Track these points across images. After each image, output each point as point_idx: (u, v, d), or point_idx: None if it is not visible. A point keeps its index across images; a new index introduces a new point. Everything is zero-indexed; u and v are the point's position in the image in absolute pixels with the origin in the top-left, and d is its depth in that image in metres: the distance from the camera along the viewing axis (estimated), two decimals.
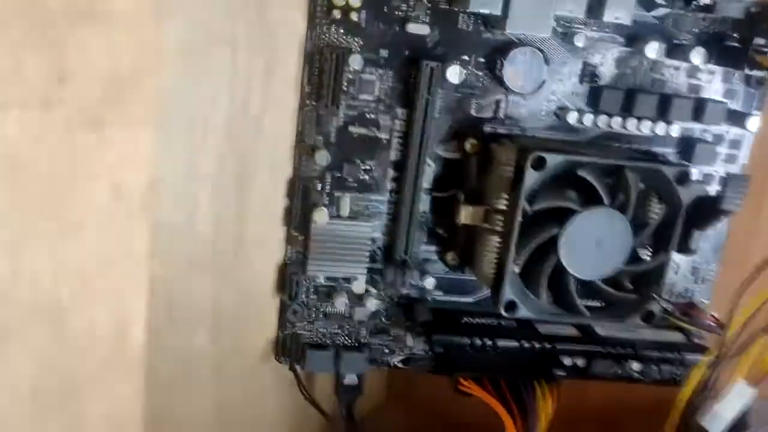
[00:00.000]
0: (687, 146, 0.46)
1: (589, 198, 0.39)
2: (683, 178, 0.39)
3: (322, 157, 0.43)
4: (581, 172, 0.38)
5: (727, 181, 0.40)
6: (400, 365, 0.49)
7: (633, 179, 0.39)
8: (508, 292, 0.40)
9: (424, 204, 0.45)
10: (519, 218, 0.38)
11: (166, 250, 0.38)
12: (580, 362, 0.47)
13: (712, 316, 0.47)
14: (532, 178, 0.38)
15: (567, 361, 0.47)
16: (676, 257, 0.48)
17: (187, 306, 0.39)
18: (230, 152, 0.39)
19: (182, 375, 0.40)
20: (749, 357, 0.40)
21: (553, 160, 0.38)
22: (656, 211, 0.40)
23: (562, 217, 0.39)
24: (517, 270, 0.40)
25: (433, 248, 0.47)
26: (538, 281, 0.40)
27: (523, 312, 0.40)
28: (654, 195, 0.41)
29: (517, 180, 0.39)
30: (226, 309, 0.41)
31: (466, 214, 0.43)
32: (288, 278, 0.45)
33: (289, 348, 0.47)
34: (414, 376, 0.65)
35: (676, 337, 0.48)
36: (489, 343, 0.45)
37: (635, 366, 0.49)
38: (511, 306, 0.40)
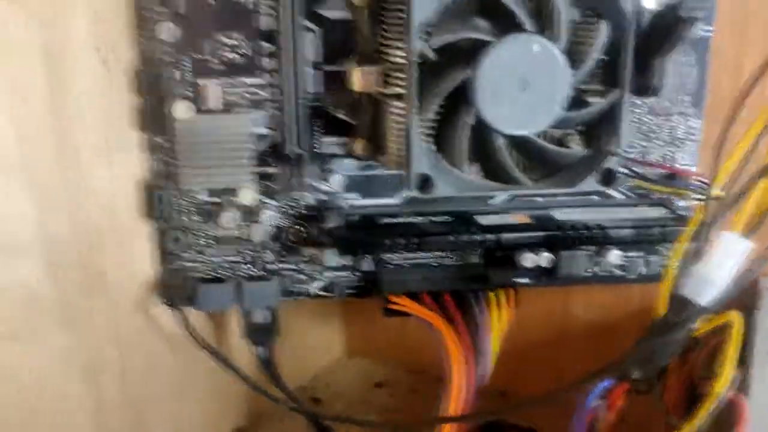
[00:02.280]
0: None
1: (508, 27, 0.30)
2: None
3: (168, 32, 0.34)
4: None
5: None
6: (321, 293, 0.40)
7: None
8: (418, 165, 0.31)
9: (315, 83, 0.36)
10: (415, 59, 0.30)
11: None
12: (544, 261, 0.38)
13: (699, 180, 0.39)
14: (423, 4, 0.29)
15: (527, 261, 0.38)
16: (645, 116, 0.39)
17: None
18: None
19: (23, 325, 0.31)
20: (744, 212, 0.30)
21: None
22: (596, 37, 0.31)
23: (475, 56, 0.30)
24: (428, 138, 0.32)
25: (336, 139, 0.38)
26: (457, 146, 0.31)
27: (441, 189, 0.31)
28: (592, 17, 0.32)
29: (408, 12, 0.30)
30: (58, 236, 0.32)
31: (359, 79, 0.34)
32: (154, 196, 0.36)
33: (177, 287, 0.38)
34: (371, 327, 0.58)
35: (657, 213, 0.38)
36: (418, 246, 0.36)
37: (615, 258, 0.40)
38: (424, 182, 0.31)
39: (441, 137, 0.32)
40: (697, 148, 0.41)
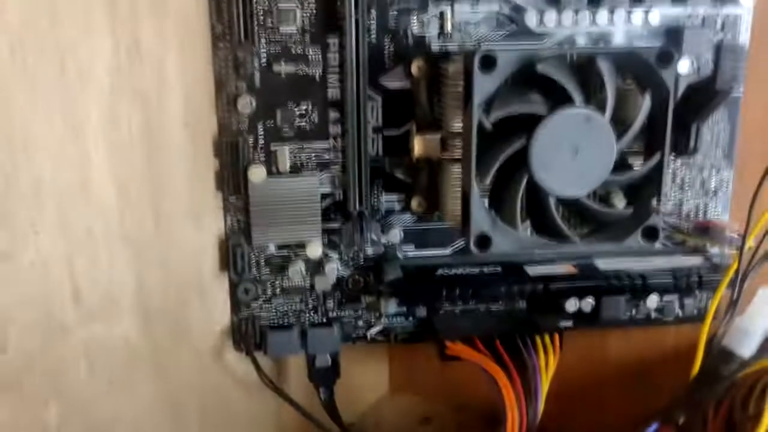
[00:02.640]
0: (673, 37, 0.40)
1: (559, 100, 0.34)
2: (666, 58, 0.33)
3: (245, 104, 0.38)
4: (542, 68, 0.33)
5: (719, 53, 0.34)
6: (378, 338, 0.43)
7: (607, 69, 0.33)
8: (477, 224, 0.34)
9: (375, 146, 0.40)
10: (475, 132, 0.33)
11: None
12: (587, 306, 0.41)
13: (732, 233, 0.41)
14: (483, 82, 0.33)
15: (570, 306, 0.41)
16: (679, 169, 0.42)
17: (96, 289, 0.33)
18: (129, 112, 0.34)
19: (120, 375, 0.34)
20: None
21: (506, 57, 0.32)
22: (640, 106, 0.35)
23: (529, 127, 0.34)
24: (485, 199, 0.35)
25: (395, 197, 0.41)
26: (512, 207, 0.35)
27: (499, 246, 0.34)
28: (636, 89, 0.35)
29: (467, 88, 0.33)
30: (153, 294, 0.35)
31: (420, 146, 0.37)
32: (231, 251, 0.40)
33: (247, 334, 0.42)
34: (415, 363, 0.60)
35: (694, 261, 0.41)
36: (472, 295, 0.39)
37: (652, 303, 0.43)
38: (483, 241, 0.34)
39: (497, 199, 0.35)
40: (728, 198, 0.43)
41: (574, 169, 0.34)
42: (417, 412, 0.56)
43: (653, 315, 0.44)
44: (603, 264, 0.41)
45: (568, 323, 0.42)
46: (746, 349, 0.29)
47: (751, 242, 0.35)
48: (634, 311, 0.44)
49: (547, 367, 0.39)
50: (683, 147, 0.36)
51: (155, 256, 0.35)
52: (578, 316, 0.42)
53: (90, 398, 0.33)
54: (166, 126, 0.35)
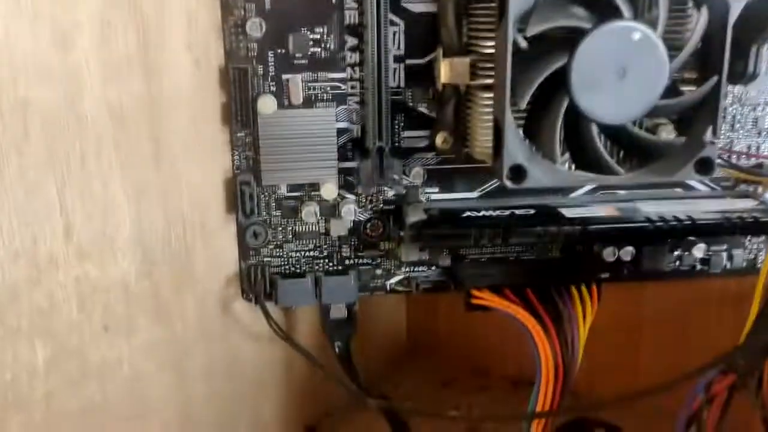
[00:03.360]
0: None
1: (605, 15, 0.30)
2: None
3: (254, 27, 0.34)
4: None
5: None
6: (399, 288, 0.40)
7: None
8: (512, 154, 0.31)
9: (397, 76, 0.37)
10: (510, 49, 0.30)
11: None
12: (626, 255, 0.38)
13: None
14: None
15: (608, 255, 0.38)
16: (731, 105, 0.39)
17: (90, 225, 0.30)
18: (126, 26, 0.30)
19: (116, 319, 0.32)
20: None
21: None
22: (696, 23, 0.31)
23: (570, 44, 0.30)
24: (519, 128, 0.32)
25: (418, 133, 0.38)
26: (551, 135, 0.31)
27: (535, 179, 0.31)
28: (691, 10, 0.31)
29: (503, 4, 0.30)
30: (153, 235, 0.33)
31: (447, 71, 0.34)
32: (239, 191, 0.37)
33: (256, 282, 0.39)
34: (435, 324, 0.57)
35: (746, 204, 0.38)
36: (502, 240, 0.36)
37: (698, 252, 0.39)
38: (517, 172, 0.31)
39: (533, 127, 0.32)
40: None
41: (621, 92, 0.30)
42: (437, 375, 0.54)
43: (698, 267, 0.41)
44: (645, 207, 0.37)
45: (606, 275, 0.39)
46: None
47: None
48: (677, 263, 0.40)
49: (585, 317, 0.36)
50: (740, 73, 0.32)
51: (155, 193, 0.32)
52: (616, 266, 0.38)
53: (83, 341, 0.30)
54: (166, 46, 0.32)
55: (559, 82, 0.30)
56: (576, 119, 0.31)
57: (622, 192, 0.39)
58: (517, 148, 0.31)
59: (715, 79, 0.31)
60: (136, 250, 0.32)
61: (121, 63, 0.30)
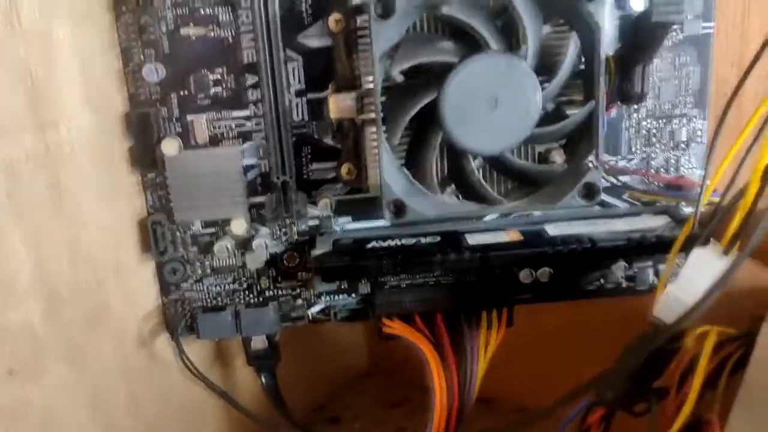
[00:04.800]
0: None
1: (476, 48, 0.31)
2: None
3: (150, 72, 0.36)
4: (448, 11, 0.30)
5: None
6: (320, 317, 0.41)
7: (524, 6, 0.30)
8: (389, 189, 0.32)
9: (299, 110, 0.38)
10: (378, 85, 0.30)
11: None
12: (545, 277, 0.38)
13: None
14: (382, 30, 0.30)
15: (526, 277, 0.38)
16: (645, 120, 0.39)
17: None
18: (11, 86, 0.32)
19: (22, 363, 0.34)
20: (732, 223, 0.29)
21: (404, 1, 0.30)
22: (567, 48, 0.31)
23: (442, 77, 0.31)
24: (402, 162, 0.32)
25: (325, 165, 0.39)
26: (427, 168, 0.32)
27: (415, 213, 0.32)
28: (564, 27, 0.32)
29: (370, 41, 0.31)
30: (59, 276, 0.34)
31: (335, 106, 0.35)
32: (151, 230, 0.38)
33: (176, 316, 0.40)
34: (393, 344, 0.58)
35: (659, 222, 0.38)
36: (402, 269, 0.36)
37: (618, 271, 0.39)
38: (397, 207, 0.32)
39: (413, 160, 0.33)
40: (703, 151, 0.39)
41: (494, 123, 0.31)
42: (389, 396, 0.54)
43: (624, 284, 0.41)
44: (553, 229, 0.37)
45: (528, 295, 0.39)
46: (671, 316, 0.26)
47: (706, 200, 0.31)
48: (602, 281, 0.40)
49: (488, 346, 0.36)
50: (628, 93, 0.32)
51: (58, 238, 0.34)
52: (536, 288, 0.39)
53: None
54: (59, 98, 0.33)
55: (434, 115, 0.31)
56: (454, 151, 0.32)
57: (537, 213, 0.39)
58: (395, 183, 0.32)
59: (591, 103, 0.31)
60: (40, 292, 0.34)
61: (8, 120, 0.32)
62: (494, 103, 0.30)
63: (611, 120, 0.39)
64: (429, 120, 0.31)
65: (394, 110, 0.31)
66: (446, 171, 0.33)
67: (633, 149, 0.39)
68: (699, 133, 0.39)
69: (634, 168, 0.39)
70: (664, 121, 0.39)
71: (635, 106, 0.38)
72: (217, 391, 0.39)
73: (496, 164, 0.33)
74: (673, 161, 0.40)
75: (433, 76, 0.31)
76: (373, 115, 0.34)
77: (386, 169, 0.31)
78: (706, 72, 0.38)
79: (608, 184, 0.38)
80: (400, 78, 0.31)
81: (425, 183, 0.32)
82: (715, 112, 0.39)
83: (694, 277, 0.26)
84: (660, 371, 0.29)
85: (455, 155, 0.32)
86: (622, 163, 0.40)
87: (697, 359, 0.28)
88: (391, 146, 0.32)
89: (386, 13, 0.29)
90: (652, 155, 0.40)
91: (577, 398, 0.28)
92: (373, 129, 0.34)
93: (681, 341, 0.30)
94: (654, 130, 0.39)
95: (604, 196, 0.40)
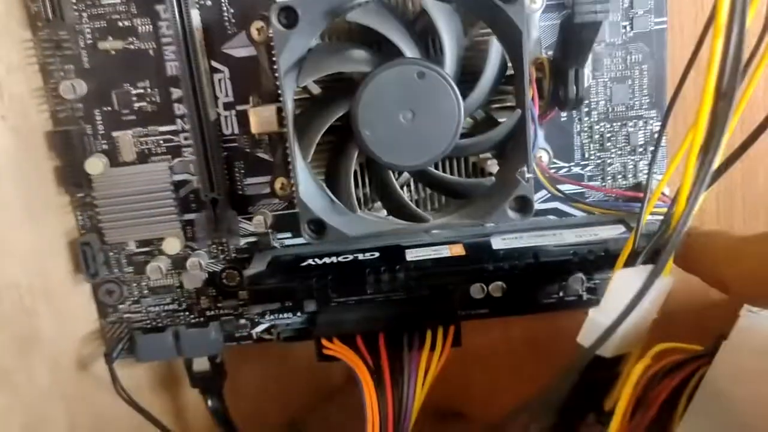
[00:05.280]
0: None
1: (387, 54, 0.29)
2: None
3: (67, 89, 0.35)
4: (353, 17, 0.28)
5: None
6: (266, 336, 0.40)
7: (438, 9, 0.28)
8: (305, 208, 0.30)
9: (230, 123, 0.36)
10: (288, 99, 0.29)
11: None
12: (498, 291, 0.36)
13: (663, 194, 0.35)
14: (287, 39, 0.28)
15: (477, 292, 0.36)
16: (597, 123, 0.36)
17: None
18: None
19: None
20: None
21: (309, 6, 0.28)
22: (489, 54, 0.29)
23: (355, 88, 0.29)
24: (321, 179, 0.31)
25: (260, 179, 0.37)
26: (346, 185, 0.30)
27: (336, 231, 0.30)
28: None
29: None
30: None
31: (255, 120, 0.33)
32: (81, 251, 0.37)
33: (113, 338, 0.39)
34: None
35: (612, 232, 0.35)
36: (334, 288, 0.34)
37: (575, 284, 0.37)
38: (316, 226, 0.30)
39: (333, 176, 0.31)
40: (663, 155, 0.37)
41: (413, 135, 0.29)
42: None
43: (585, 296, 0.38)
44: (501, 242, 0.35)
45: (484, 310, 0.37)
46: (588, 340, 0.24)
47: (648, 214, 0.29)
48: (561, 293, 0.38)
49: (428, 370, 0.34)
50: (563, 98, 0.30)
51: None
52: (489, 302, 0.37)
53: None
54: None
55: (348, 129, 0.29)
56: (374, 166, 0.30)
57: (485, 225, 0.37)
58: (314, 201, 0.30)
59: (517, 112, 0.29)
60: None
61: None
62: (411, 114, 0.28)
63: (561, 124, 0.37)
64: (347, 133, 0.29)
65: (310, 124, 0.29)
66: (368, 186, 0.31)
67: (586, 155, 0.37)
68: (657, 135, 0.37)
69: (589, 174, 0.37)
70: (619, 124, 0.37)
71: (586, 109, 0.36)
72: (149, 418, 0.38)
73: (422, 179, 0.31)
74: (631, 166, 0.37)
75: (348, 86, 0.29)
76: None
77: (302, 186, 0.30)
78: (662, 70, 0.36)
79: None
80: (316, 89, 0.30)
81: (345, 200, 0.30)
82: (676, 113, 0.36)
83: (616, 299, 0.24)
84: (593, 400, 0.27)
85: (376, 170, 0.30)
86: (576, 170, 0.37)
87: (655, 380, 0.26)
88: (305, 162, 0.30)
89: (290, 22, 0.28)
90: (608, 161, 0.37)
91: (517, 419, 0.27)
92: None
93: (620, 366, 0.28)
94: (608, 134, 0.37)
95: (558, 205, 0.38)
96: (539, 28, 0.32)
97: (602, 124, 0.37)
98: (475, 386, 0.46)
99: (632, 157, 0.37)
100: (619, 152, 0.37)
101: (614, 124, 0.37)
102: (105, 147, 0.36)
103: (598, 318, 0.24)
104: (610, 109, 0.36)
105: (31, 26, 0.35)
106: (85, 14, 0.35)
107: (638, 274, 0.24)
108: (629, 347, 0.27)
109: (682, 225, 0.24)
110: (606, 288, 0.27)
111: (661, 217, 0.27)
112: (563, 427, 0.27)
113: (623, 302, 0.24)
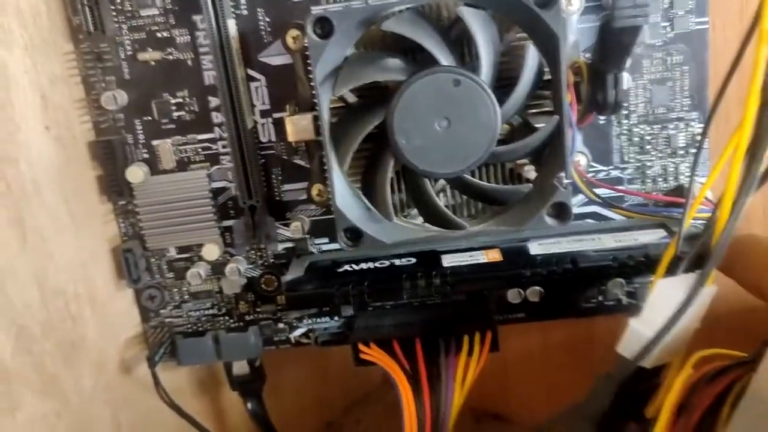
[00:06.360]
0: None
1: (422, 63, 0.29)
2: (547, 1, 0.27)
3: (109, 100, 0.35)
4: (388, 26, 0.28)
5: None
6: (304, 341, 0.40)
7: (473, 16, 0.28)
8: (342, 216, 0.30)
9: (267, 131, 0.37)
10: (324, 108, 0.29)
11: None
12: (535, 296, 0.36)
13: (706, 198, 0.34)
14: (322, 49, 0.28)
15: (514, 297, 0.36)
16: (637, 126, 0.36)
17: None
18: None
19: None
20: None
21: (344, 17, 0.28)
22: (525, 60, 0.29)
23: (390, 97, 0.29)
24: (358, 187, 0.31)
25: (298, 185, 0.38)
26: (382, 192, 0.30)
27: (372, 239, 0.30)
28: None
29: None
30: (29, 311, 0.34)
31: (291, 129, 0.33)
32: (123, 258, 0.38)
33: (155, 342, 0.40)
34: None
35: (653, 237, 0.35)
36: (370, 293, 0.34)
37: (615, 288, 0.36)
38: (353, 234, 0.30)
39: (369, 184, 0.31)
40: (705, 157, 0.36)
41: (449, 142, 0.29)
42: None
43: (625, 300, 0.38)
44: (538, 248, 0.35)
45: (519, 315, 0.37)
46: (630, 351, 0.24)
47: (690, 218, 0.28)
48: (600, 298, 0.38)
49: (466, 375, 0.34)
50: (602, 103, 0.30)
51: (24, 273, 0.34)
52: (526, 306, 0.36)
53: None
54: (18, 133, 0.33)
55: (384, 138, 0.29)
56: (410, 174, 0.30)
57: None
58: (350, 209, 0.30)
59: (555, 118, 0.29)
60: (9, 329, 0.34)
61: None
62: (446, 122, 0.28)
63: (600, 127, 0.36)
64: (383, 142, 0.30)
65: (346, 132, 0.30)
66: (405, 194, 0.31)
67: (625, 158, 0.37)
68: (699, 137, 0.36)
69: (629, 178, 0.37)
70: (659, 126, 0.36)
71: (625, 112, 0.36)
72: (191, 421, 0.38)
73: (458, 186, 0.31)
74: (671, 169, 0.37)
75: (384, 95, 0.29)
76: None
77: (338, 194, 0.30)
78: (704, 71, 0.35)
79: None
80: (352, 98, 0.30)
81: (381, 208, 0.30)
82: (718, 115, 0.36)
83: (658, 309, 0.23)
84: (632, 410, 0.27)
85: (412, 178, 0.30)
86: (614, 173, 0.37)
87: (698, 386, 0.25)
88: (342, 170, 0.30)
89: (325, 33, 0.28)
90: (647, 163, 0.37)
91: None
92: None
93: (660, 376, 0.28)
94: (648, 137, 0.36)
95: (597, 209, 0.38)
96: (577, 31, 0.32)
97: (642, 126, 0.36)
98: (512, 389, 0.46)
99: (673, 160, 0.36)
100: (660, 155, 0.36)
101: (654, 126, 0.36)
102: (145, 156, 0.37)
103: (640, 329, 0.24)
104: (650, 111, 0.36)
105: (73, 39, 0.36)
106: (125, 26, 0.35)
107: (681, 283, 0.24)
108: (670, 357, 0.27)
109: (727, 234, 0.23)
110: (646, 294, 0.27)
111: (703, 222, 0.27)
112: None
113: (666, 313, 0.24)
